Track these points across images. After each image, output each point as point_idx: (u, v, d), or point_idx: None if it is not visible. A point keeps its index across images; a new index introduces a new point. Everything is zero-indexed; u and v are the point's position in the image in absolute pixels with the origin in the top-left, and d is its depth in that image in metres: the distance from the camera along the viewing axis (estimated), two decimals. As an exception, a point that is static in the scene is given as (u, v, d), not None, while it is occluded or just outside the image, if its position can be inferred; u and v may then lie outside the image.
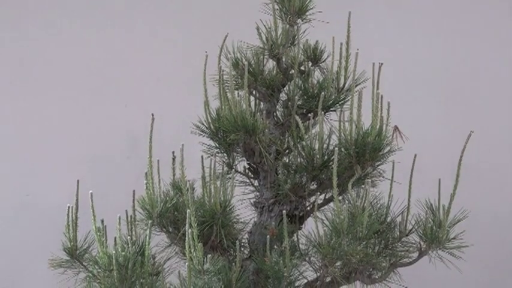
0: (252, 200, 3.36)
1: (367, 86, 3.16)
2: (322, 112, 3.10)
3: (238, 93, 3.19)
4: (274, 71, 3.37)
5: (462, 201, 3.11)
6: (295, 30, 3.34)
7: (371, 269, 3.12)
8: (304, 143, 3.13)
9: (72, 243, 3.13)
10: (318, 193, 3.16)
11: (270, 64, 3.38)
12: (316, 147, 3.11)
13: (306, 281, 3.16)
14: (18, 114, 5.15)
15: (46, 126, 5.12)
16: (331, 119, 3.24)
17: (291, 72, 3.36)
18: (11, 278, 5.01)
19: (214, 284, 2.92)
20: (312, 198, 3.26)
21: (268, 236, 3.01)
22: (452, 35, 5.14)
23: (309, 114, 3.19)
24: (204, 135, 3.29)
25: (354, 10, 3.18)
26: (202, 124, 3.28)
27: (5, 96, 5.17)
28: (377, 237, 3.16)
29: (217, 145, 3.30)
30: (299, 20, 3.36)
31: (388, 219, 3.22)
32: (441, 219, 3.12)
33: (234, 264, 2.97)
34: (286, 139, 3.29)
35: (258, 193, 3.35)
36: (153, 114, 2.99)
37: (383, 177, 3.23)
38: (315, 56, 3.39)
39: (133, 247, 2.98)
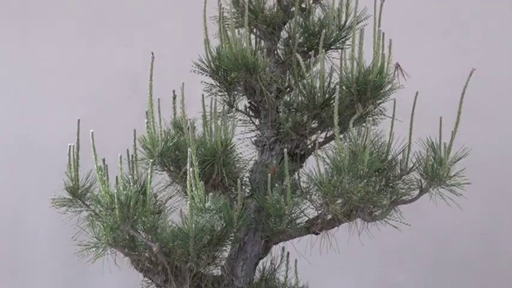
0: (253, 139, 3.36)
1: (368, 23, 3.13)
2: (323, 50, 3.07)
3: (238, 31, 3.16)
4: (275, 9, 3.33)
5: (463, 138, 3.11)
6: (296, -33, 3.30)
7: (372, 207, 3.14)
8: (305, 81, 3.12)
9: (74, 183, 3.14)
10: (319, 131, 3.16)
11: (271, 1, 3.34)
12: (317, 85, 3.09)
13: (306, 218, 3.18)
14: (17, 55, 5.12)
15: (46, 66, 5.10)
16: (332, 57, 3.22)
17: (291, 10, 3.33)
18: (13, 218, 5.05)
19: (216, 222, 2.94)
20: (313, 137, 3.26)
21: (269, 175, 3.02)
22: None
23: (310, 52, 3.17)
24: (204, 74, 3.28)
25: None
26: (203, 63, 3.26)
27: (4, 37, 5.13)
28: (378, 175, 3.16)
29: (217, 84, 3.29)
30: (299, -44, 3.31)
31: (389, 157, 3.22)
32: (442, 156, 3.12)
33: (235, 202, 2.99)
34: (287, 77, 3.28)
35: (259, 132, 3.35)
36: (153, 53, 2.97)
37: (384, 115, 3.22)
38: (316, -8, 3.35)
39: (135, 186, 2.99)
